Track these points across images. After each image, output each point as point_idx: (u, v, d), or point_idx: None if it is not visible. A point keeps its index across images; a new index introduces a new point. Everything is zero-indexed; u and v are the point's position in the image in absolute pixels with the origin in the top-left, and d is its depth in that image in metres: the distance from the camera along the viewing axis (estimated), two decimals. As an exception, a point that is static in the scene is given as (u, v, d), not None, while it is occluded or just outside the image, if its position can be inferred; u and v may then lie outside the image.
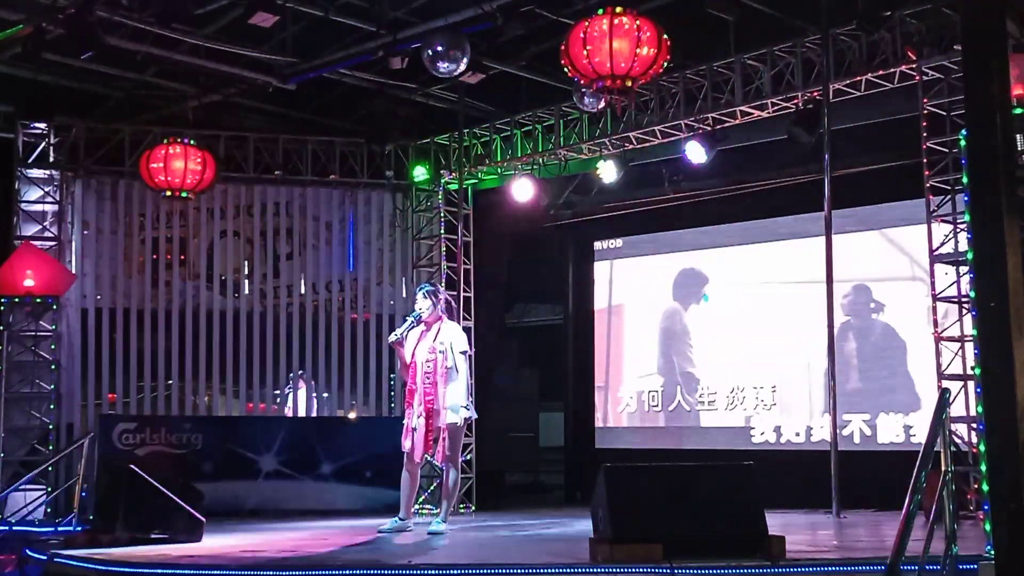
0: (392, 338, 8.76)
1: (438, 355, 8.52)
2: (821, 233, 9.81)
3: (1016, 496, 3.99)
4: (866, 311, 11.34)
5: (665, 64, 7.95)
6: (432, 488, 11.40)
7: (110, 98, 11.96)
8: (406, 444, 8.61)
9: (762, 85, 10.17)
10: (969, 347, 8.77)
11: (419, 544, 8.19)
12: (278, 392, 12.40)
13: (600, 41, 7.68)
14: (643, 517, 6.27)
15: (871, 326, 11.32)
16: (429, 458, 8.76)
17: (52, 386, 11.35)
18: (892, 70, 9.46)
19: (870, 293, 11.25)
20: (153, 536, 7.78)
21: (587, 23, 7.77)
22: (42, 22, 9.29)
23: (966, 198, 6.21)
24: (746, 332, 12.23)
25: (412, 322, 8.68)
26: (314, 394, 12.49)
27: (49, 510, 10.75)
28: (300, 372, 12.39)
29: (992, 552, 4.45)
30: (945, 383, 8.66)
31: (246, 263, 12.48)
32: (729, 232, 12.52)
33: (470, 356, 8.67)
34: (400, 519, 8.65)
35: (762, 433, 11.98)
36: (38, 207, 11.70)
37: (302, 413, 12.45)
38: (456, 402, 8.55)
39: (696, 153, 10.77)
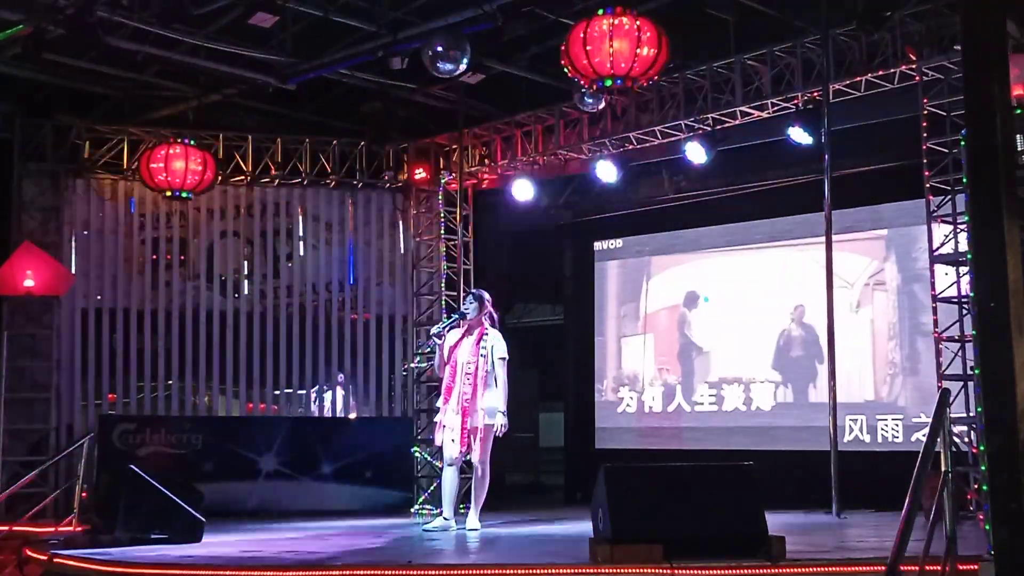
0: (434, 330, 9.21)
1: (479, 358, 8.77)
2: (821, 233, 9.81)
3: (1016, 496, 3.99)
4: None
5: (665, 64, 7.96)
6: (432, 488, 11.40)
7: (110, 98, 11.96)
8: (438, 439, 9.05)
9: (762, 85, 10.17)
10: (969, 347, 8.77)
11: (419, 544, 8.20)
12: (315, 390, 12.41)
13: (600, 41, 7.70)
14: (643, 517, 6.26)
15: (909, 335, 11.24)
16: (455, 455, 8.84)
17: (52, 386, 11.34)
18: (892, 70, 9.46)
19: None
20: (153, 536, 7.78)
21: (587, 23, 7.78)
22: (42, 22, 9.29)
23: (966, 198, 6.21)
24: (746, 332, 12.22)
25: (455, 319, 9.04)
26: (353, 401, 12.50)
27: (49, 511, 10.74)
28: (339, 375, 12.42)
29: (992, 552, 4.45)
30: (945, 383, 8.65)
31: (246, 263, 12.48)
32: (729, 232, 12.51)
33: (509, 362, 8.92)
34: (445, 519, 8.88)
35: (763, 433, 11.97)
36: (38, 207, 11.69)
37: (340, 414, 12.46)
38: (492, 406, 8.77)
39: (696, 153, 10.77)
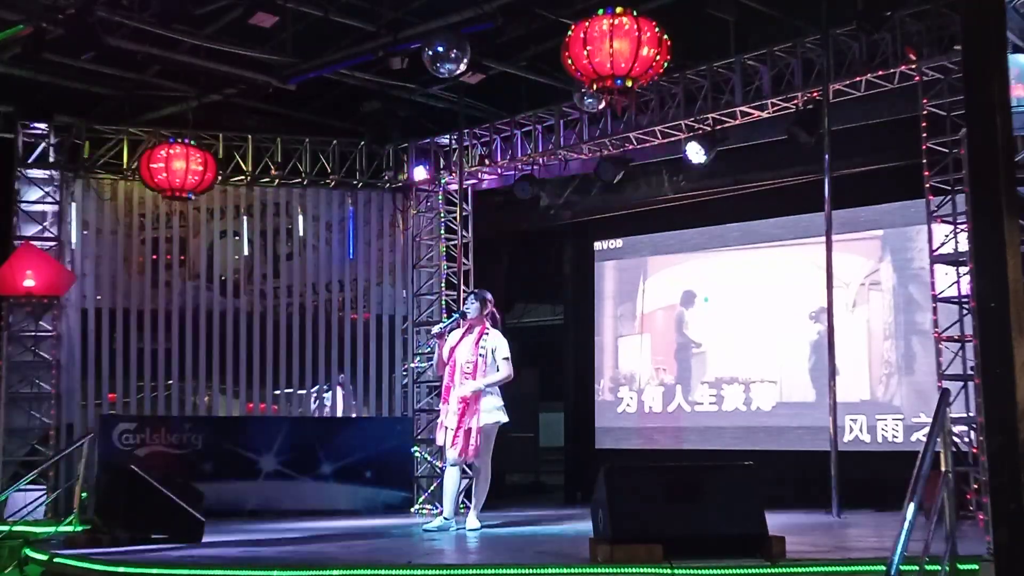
0: (436, 330, 9.27)
1: (478, 358, 8.77)
2: (820, 233, 9.81)
3: (1016, 496, 3.99)
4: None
5: (665, 64, 7.96)
6: (432, 488, 11.41)
7: (110, 98, 11.96)
8: (439, 439, 9.05)
9: (762, 85, 10.17)
10: (969, 347, 8.77)
11: (419, 544, 8.20)
12: (315, 390, 12.41)
13: (600, 41, 7.69)
14: (643, 517, 6.27)
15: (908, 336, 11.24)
16: (456, 457, 8.83)
17: (52, 386, 11.35)
18: (892, 70, 9.46)
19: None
20: (153, 536, 7.78)
21: (587, 23, 7.77)
22: (42, 22, 9.30)
23: (966, 198, 6.20)
24: (746, 332, 12.23)
25: (455, 319, 9.07)
26: (354, 402, 12.50)
27: (49, 511, 10.75)
28: (339, 375, 12.42)
29: (992, 552, 4.45)
30: (945, 383, 8.66)
31: (246, 263, 12.48)
32: (729, 232, 12.52)
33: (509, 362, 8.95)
34: (445, 518, 8.89)
35: (763, 433, 11.98)
36: (38, 207, 11.69)
37: (340, 414, 12.46)
38: (491, 404, 8.77)
39: (696, 153, 10.78)
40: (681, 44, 8.38)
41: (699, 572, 5.98)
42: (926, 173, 9.20)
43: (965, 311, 8.91)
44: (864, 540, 7.79)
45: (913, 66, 9.25)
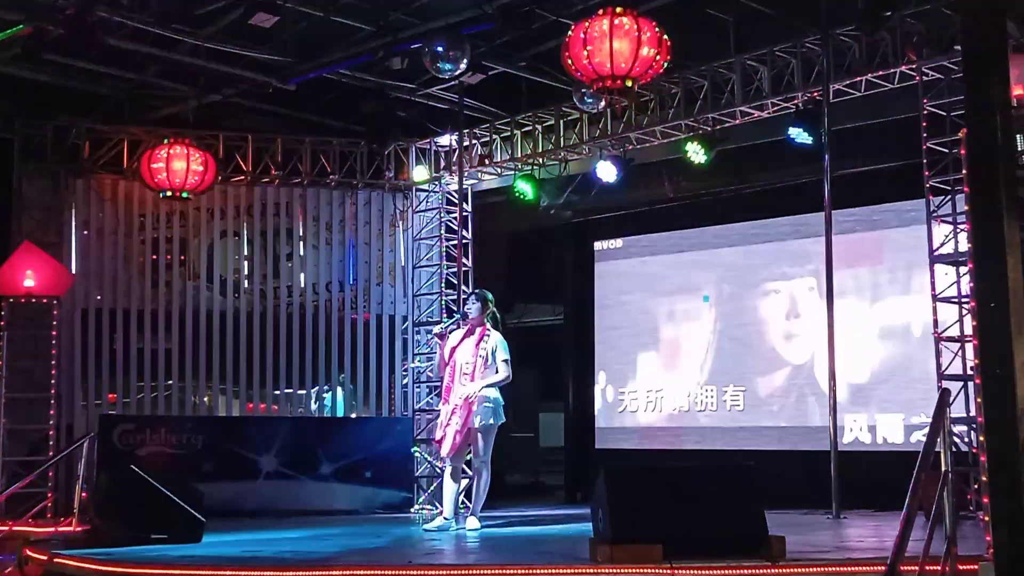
0: (437, 330, 9.30)
1: (478, 359, 8.79)
2: (821, 233, 9.81)
3: (1016, 496, 3.99)
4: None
5: (665, 64, 7.96)
6: (432, 488, 11.41)
7: (110, 98, 11.96)
8: (438, 437, 9.06)
9: (762, 85, 10.17)
10: (969, 347, 8.77)
11: (419, 544, 8.20)
12: (315, 390, 12.40)
13: (600, 41, 7.69)
14: (643, 517, 6.27)
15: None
16: (449, 458, 8.87)
17: (52, 386, 11.33)
18: (892, 70, 9.46)
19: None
20: (153, 536, 7.78)
21: (587, 23, 7.78)
22: (42, 22, 9.30)
23: (966, 198, 6.20)
24: (746, 332, 12.23)
25: (456, 319, 9.15)
26: (353, 402, 12.50)
27: (49, 511, 10.75)
28: (340, 375, 12.41)
29: (992, 552, 4.45)
30: (945, 383, 8.65)
31: (246, 263, 12.47)
32: (729, 232, 12.51)
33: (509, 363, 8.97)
34: (445, 518, 8.92)
35: (763, 433, 11.97)
36: (38, 207, 11.68)
37: (340, 414, 12.47)
38: (490, 405, 8.79)
39: (696, 153, 10.78)
40: (681, 44, 8.38)
41: (699, 572, 5.98)
42: (926, 173, 9.20)
43: (965, 311, 8.90)
44: (864, 540, 7.79)
45: (913, 66, 9.25)
